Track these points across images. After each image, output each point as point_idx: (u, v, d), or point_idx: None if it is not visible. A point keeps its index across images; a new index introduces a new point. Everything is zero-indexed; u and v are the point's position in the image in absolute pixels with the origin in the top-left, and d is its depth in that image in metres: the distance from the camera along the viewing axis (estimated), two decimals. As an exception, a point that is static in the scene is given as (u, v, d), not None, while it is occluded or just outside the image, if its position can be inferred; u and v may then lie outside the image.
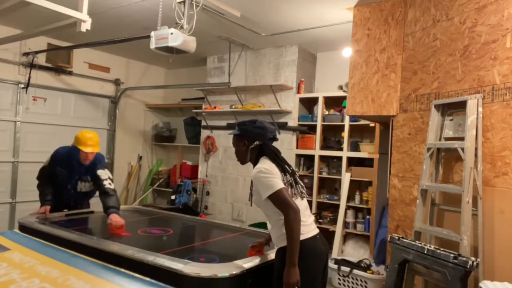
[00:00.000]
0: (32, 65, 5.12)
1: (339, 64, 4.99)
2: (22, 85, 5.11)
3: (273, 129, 2.27)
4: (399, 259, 2.54)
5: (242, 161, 2.29)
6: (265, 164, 2.12)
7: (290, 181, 2.13)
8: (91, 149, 3.26)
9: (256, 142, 2.21)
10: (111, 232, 2.86)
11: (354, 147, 4.63)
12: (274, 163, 2.14)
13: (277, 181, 2.05)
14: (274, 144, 2.29)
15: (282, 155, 2.25)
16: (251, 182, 2.19)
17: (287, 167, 2.17)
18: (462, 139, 2.45)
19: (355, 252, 4.43)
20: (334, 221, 4.68)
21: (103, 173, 3.33)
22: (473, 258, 2.10)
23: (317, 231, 2.19)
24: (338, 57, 5.06)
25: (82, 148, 3.23)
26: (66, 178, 3.40)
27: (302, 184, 2.24)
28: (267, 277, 2.18)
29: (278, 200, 2.02)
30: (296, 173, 2.26)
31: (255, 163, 2.19)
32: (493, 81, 2.43)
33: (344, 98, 4.43)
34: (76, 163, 3.34)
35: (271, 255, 2.25)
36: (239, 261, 2.10)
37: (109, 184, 3.28)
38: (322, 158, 4.89)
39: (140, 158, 6.74)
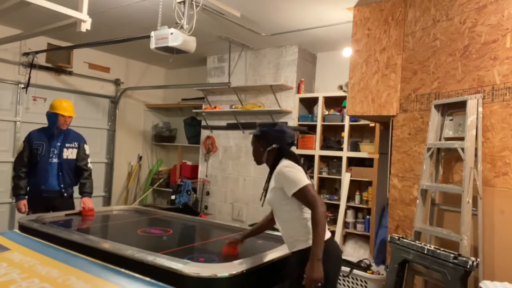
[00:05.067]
0: (32, 65, 5.12)
1: (339, 64, 4.98)
2: (22, 85, 5.11)
3: (292, 134, 2.29)
4: (399, 259, 2.54)
5: (258, 161, 2.32)
6: (289, 162, 2.16)
7: (312, 183, 2.15)
8: (70, 113, 3.55)
9: (274, 145, 2.23)
10: (83, 214, 3.39)
11: (354, 147, 4.63)
12: (297, 164, 2.18)
13: (304, 177, 2.08)
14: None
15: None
16: (266, 181, 2.23)
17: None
18: (462, 139, 2.45)
19: (355, 252, 4.43)
20: (334, 221, 4.67)
21: (87, 149, 3.74)
22: (473, 258, 2.10)
23: (330, 234, 2.21)
24: (338, 57, 5.06)
25: (62, 112, 3.48)
26: (47, 148, 3.51)
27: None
28: (266, 277, 2.18)
29: (306, 195, 2.02)
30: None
31: (272, 165, 2.21)
32: (493, 81, 2.43)
33: (344, 98, 4.43)
34: (54, 132, 3.52)
35: (270, 255, 2.24)
36: (239, 261, 2.10)
37: (90, 163, 3.72)
38: (322, 158, 4.89)
39: (140, 158, 6.74)
